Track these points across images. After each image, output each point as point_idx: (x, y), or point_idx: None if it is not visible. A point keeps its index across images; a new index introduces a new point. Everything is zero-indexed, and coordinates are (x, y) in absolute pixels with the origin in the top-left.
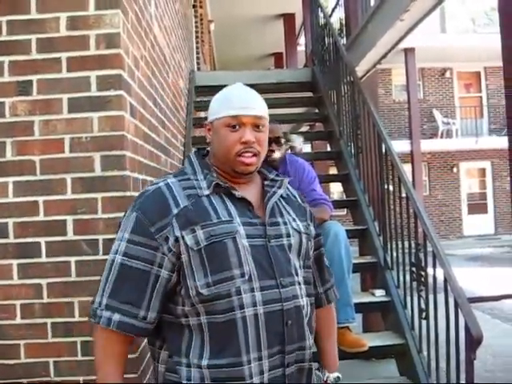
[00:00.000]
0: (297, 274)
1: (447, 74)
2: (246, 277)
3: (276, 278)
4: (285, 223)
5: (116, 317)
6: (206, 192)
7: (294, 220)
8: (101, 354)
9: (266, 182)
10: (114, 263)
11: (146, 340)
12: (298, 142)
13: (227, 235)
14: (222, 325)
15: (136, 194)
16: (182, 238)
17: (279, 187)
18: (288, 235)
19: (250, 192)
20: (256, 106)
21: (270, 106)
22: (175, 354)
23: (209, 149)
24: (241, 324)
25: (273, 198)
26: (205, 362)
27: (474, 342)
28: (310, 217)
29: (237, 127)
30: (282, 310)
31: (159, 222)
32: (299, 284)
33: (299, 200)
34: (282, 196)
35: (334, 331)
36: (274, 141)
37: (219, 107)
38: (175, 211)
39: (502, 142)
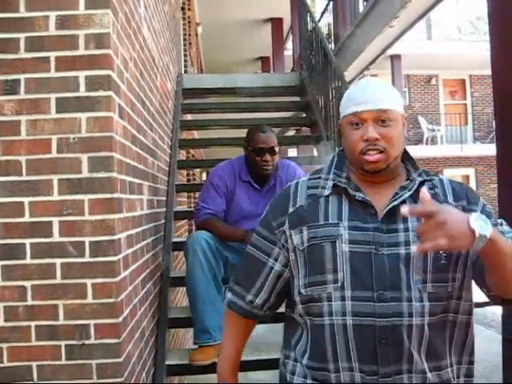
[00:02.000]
0: (409, 289)
1: (433, 81)
2: (339, 284)
3: (373, 290)
4: (406, 229)
5: (229, 296)
6: (326, 192)
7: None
8: (223, 328)
9: (404, 183)
10: (245, 251)
11: (129, 346)
12: None
13: (327, 238)
14: (316, 328)
15: (123, 196)
16: (290, 236)
17: (410, 189)
18: (407, 243)
19: (383, 194)
20: (378, 98)
21: (256, 110)
22: (286, 348)
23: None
24: (328, 331)
25: (396, 201)
26: (305, 362)
27: None
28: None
29: (359, 124)
30: (374, 326)
31: (280, 218)
32: (411, 300)
33: (453, 200)
34: None
35: None
36: (268, 151)
37: (343, 105)
38: (291, 210)
39: (485, 150)
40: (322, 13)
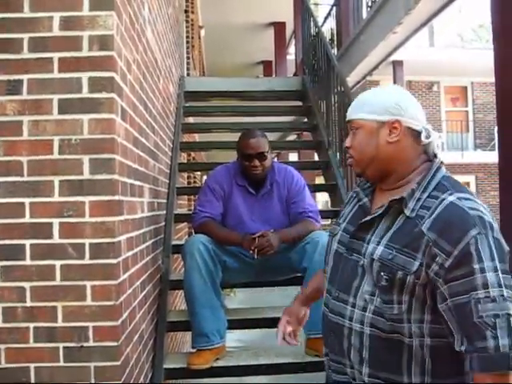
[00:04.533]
0: (356, 296)
1: (434, 88)
2: (327, 275)
3: (335, 288)
4: (368, 242)
5: None
6: (353, 196)
7: (378, 244)
8: None
9: (395, 197)
10: None
11: (128, 349)
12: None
13: (330, 235)
14: None
15: (124, 198)
16: None
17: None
18: (364, 255)
19: (384, 202)
20: (351, 110)
21: (258, 114)
22: None
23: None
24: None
25: (376, 211)
26: None
27: None
28: (427, 252)
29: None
30: (328, 318)
31: None
32: (354, 307)
33: (426, 229)
34: (406, 216)
35: None
36: (256, 157)
37: (420, 114)
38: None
39: (486, 157)
40: (325, 18)
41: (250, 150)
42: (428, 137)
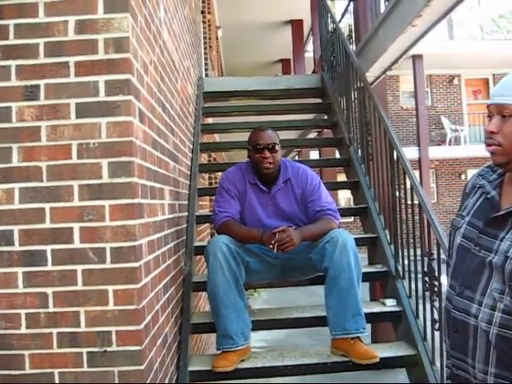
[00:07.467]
0: (483, 294)
1: (455, 81)
2: (450, 269)
3: (459, 284)
4: (502, 239)
5: None
6: (471, 187)
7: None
8: None
9: None
10: None
11: (152, 353)
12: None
13: (453, 227)
14: None
15: (144, 201)
16: None
17: None
18: (496, 252)
19: None
20: (499, 93)
21: (278, 113)
22: None
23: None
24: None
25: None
26: None
27: None
28: None
29: (491, 117)
30: (450, 314)
31: None
32: (481, 305)
33: None
34: None
35: None
36: (267, 148)
37: None
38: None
39: None
40: (343, 14)
41: (261, 140)
42: None
